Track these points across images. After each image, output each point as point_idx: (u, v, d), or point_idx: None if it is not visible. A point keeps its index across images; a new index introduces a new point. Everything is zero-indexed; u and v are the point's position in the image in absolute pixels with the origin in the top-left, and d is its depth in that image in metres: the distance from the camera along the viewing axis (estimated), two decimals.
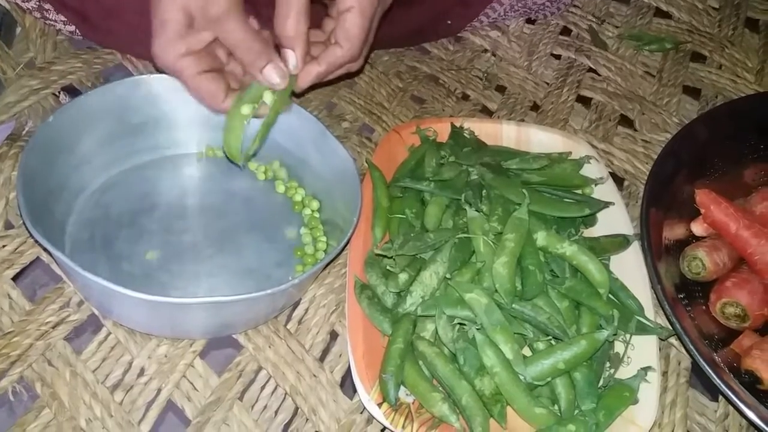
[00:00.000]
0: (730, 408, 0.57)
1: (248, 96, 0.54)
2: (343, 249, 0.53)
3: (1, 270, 0.55)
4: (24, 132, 0.63)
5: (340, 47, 0.56)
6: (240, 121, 0.54)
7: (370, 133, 0.72)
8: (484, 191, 0.58)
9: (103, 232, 0.57)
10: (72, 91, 0.67)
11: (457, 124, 0.68)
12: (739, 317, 0.58)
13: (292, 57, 0.55)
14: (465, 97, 0.78)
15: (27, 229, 0.48)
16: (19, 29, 0.71)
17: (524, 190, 0.56)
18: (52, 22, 0.70)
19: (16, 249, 0.56)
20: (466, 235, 0.55)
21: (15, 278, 0.55)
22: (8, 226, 0.58)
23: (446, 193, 0.58)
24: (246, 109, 0.54)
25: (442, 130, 0.67)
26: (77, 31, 0.70)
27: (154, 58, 0.53)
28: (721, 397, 0.57)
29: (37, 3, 0.68)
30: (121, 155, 0.60)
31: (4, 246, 0.56)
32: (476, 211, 0.56)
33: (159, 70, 0.55)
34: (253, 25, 0.54)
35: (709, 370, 0.51)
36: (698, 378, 0.58)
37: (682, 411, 0.56)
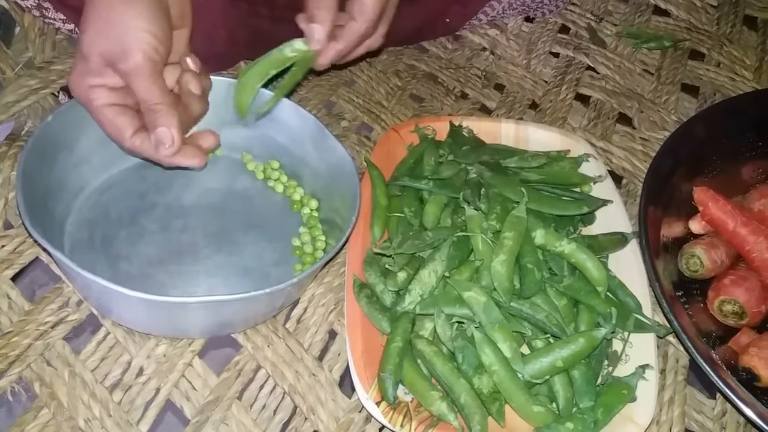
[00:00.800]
0: (728, 405, 0.57)
1: (269, 59, 0.55)
2: (341, 248, 0.53)
3: (1, 270, 0.55)
4: (23, 132, 0.63)
5: (355, 21, 0.56)
6: (255, 79, 0.55)
7: (369, 132, 0.72)
8: (483, 190, 0.58)
9: (102, 231, 0.57)
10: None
11: (456, 123, 0.68)
12: (737, 315, 0.58)
13: (318, 30, 0.54)
14: (464, 96, 0.78)
15: (26, 228, 0.48)
16: (18, 29, 0.71)
17: (523, 189, 0.56)
18: (51, 21, 0.70)
19: (15, 249, 0.56)
20: (464, 234, 0.55)
21: (14, 278, 0.55)
22: (7, 226, 0.58)
23: (445, 191, 0.59)
24: (263, 69, 0.54)
25: (440, 129, 0.67)
26: (76, 29, 0.70)
27: (69, 89, 0.52)
28: (718, 395, 0.57)
29: (36, 1, 0.68)
30: (119, 155, 0.60)
31: (3, 246, 0.56)
32: (474, 209, 0.56)
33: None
34: (167, 83, 0.53)
35: (707, 368, 0.51)
36: (696, 375, 0.58)
37: (680, 408, 0.56)
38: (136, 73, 0.50)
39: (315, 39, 0.55)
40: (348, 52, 0.58)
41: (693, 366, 0.58)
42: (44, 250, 0.55)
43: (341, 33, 0.57)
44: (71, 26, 0.70)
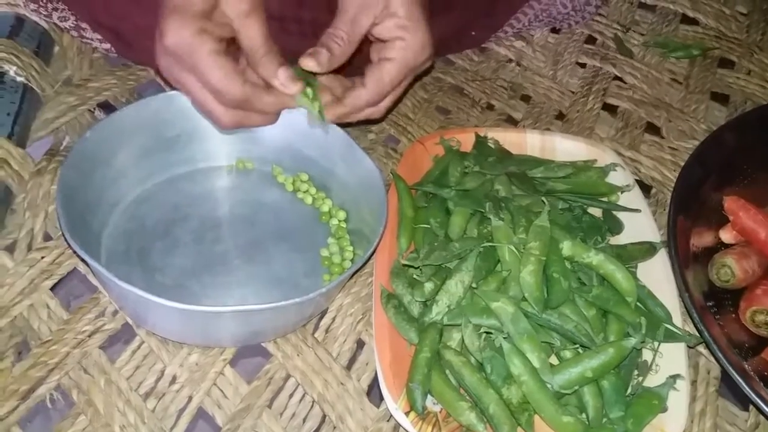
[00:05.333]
0: (761, 418, 0.56)
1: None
2: (369, 258, 0.54)
3: (40, 280, 0.57)
4: (62, 147, 0.65)
5: (366, 90, 0.56)
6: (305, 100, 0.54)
7: (396, 144, 0.73)
8: (503, 204, 0.58)
9: (138, 243, 0.58)
10: (107, 107, 0.69)
11: (481, 134, 0.68)
12: None
13: (323, 54, 0.53)
14: (490, 107, 0.78)
15: (65, 240, 0.49)
16: (57, 48, 0.73)
17: (544, 198, 0.57)
18: (88, 41, 0.72)
19: (54, 260, 0.58)
20: (490, 244, 0.55)
21: (53, 288, 0.57)
22: (47, 238, 0.59)
23: (466, 202, 0.59)
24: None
25: (466, 141, 0.68)
26: (112, 48, 0.72)
27: (159, 38, 0.49)
28: (751, 407, 0.56)
29: (75, 22, 0.71)
30: (155, 168, 0.62)
31: (43, 257, 0.58)
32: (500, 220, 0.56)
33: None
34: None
35: (739, 379, 0.51)
36: (728, 387, 0.58)
37: (712, 420, 0.55)
38: (256, 12, 0.49)
39: (316, 59, 0.52)
40: (349, 116, 0.58)
41: (725, 377, 0.58)
42: (82, 261, 0.57)
43: (347, 97, 0.56)
44: (107, 46, 0.72)
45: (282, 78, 0.51)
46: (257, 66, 0.52)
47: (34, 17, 0.71)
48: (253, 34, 0.51)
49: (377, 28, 0.55)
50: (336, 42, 0.54)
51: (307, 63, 0.52)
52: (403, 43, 0.55)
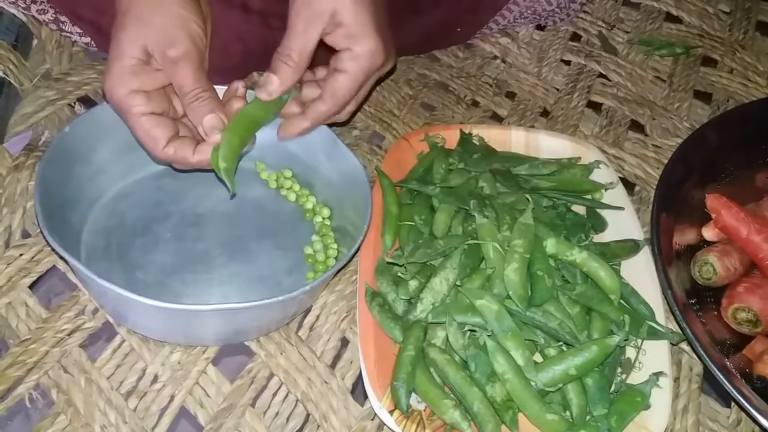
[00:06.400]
0: (743, 414, 0.56)
1: (241, 123, 0.54)
2: (353, 256, 0.54)
3: (19, 278, 0.56)
4: (41, 142, 0.64)
5: (324, 103, 0.57)
6: (235, 150, 0.53)
7: (381, 141, 0.73)
8: (487, 201, 0.58)
9: (118, 240, 0.58)
10: (87, 102, 0.68)
11: (466, 131, 0.68)
12: (751, 322, 0.57)
13: (273, 83, 0.55)
14: (475, 104, 0.78)
15: (44, 237, 0.48)
16: (35, 41, 0.72)
17: (528, 196, 0.57)
18: (68, 34, 0.71)
19: (33, 257, 0.57)
20: (475, 242, 0.55)
21: (31, 286, 0.56)
22: (25, 234, 0.58)
23: (451, 200, 0.59)
24: (239, 137, 0.54)
25: (450, 137, 0.67)
26: (92, 42, 0.71)
27: (104, 94, 0.52)
28: (733, 403, 0.57)
29: (54, 15, 0.69)
30: (135, 164, 0.61)
31: (21, 254, 0.57)
32: (484, 218, 0.56)
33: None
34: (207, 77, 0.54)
35: (721, 376, 0.51)
36: (710, 384, 0.58)
37: (695, 417, 0.56)
38: (186, 58, 0.50)
39: (267, 90, 0.55)
40: (312, 129, 0.59)
41: (707, 374, 0.58)
42: (61, 258, 0.56)
43: (308, 112, 0.57)
44: (87, 39, 0.71)
45: (206, 126, 0.52)
46: (186, 112, 0.53)
47: (12, 10, 0.70)
48: (181, 81, 0.52)
49: (328, 38, 0.55)
50: (285, 63, 0.54)
51: (261, 95, 0.55)
52: (352, 53, 0.55)
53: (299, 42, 0.54)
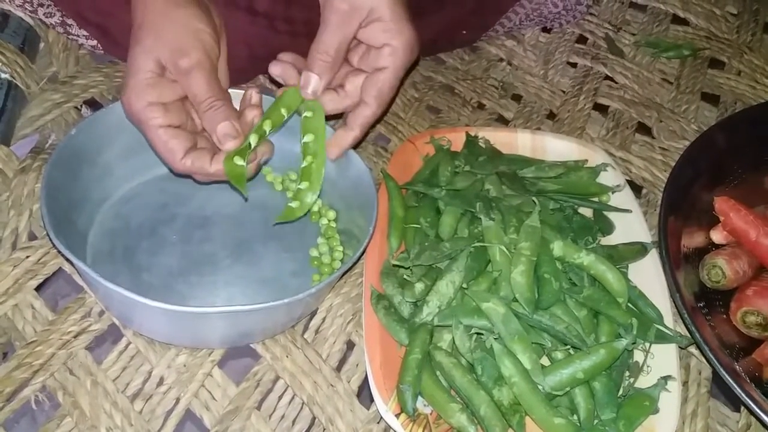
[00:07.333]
0: (752, 418, 0.56)
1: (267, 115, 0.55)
2: (359, 258, 0.54)
3: (25, 280, 0.56)
4: (47, 145, 0.64)
5: (369, 107, 0.56)
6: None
7: (386, 143, 0.73)
8: (493, 204, 0.58)
9: (124, 242, 0.58)
10: (94, 105, 0.69)
11: (472, 134, 0.68)
12: (761, 326, 0.57)
13: (314, 81, 0.55)
14: (481, 107, 0.78)
15: (50, 240, 0.48)
16: (42, 44, 0.72)
17: (534, 199, 0.56)
18: (74, 37, 0.71)
19: (39, 260, 0.57)
20: (481, 244, 0.55)
21: (38, 288, 0.56)
22: (32, 237, 0.59)
23: (457, 202, 0.59)
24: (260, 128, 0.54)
25: (456, 140, 0.67)
26: (99, 45, 0.71)
27: (124, 109, 0.52)
28: (743, 408, 0.56)
29: (61, 18, 0.70)
30: (141, 167, 0.61)
31: (27, 257, 0.57)
32: (490, 220, 0.56)
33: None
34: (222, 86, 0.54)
35: (730, 380, 0.51)
36: (720, 388, 0.58)
37: (704, 421, 0.55)
38: (198, 68, 0.51)
39: (310, 89, 0.55)
40: (361, 137, 0.59)
41: (716, 378, 0.58)
42: (67, 260, 0.56)
43: (354, 119, 0.57)
44: (94, 42, 0.71)
45: (219, 134, 0.52)
46: (202, 121, 0.53)
47: (20, 13, 0.70)
48: (195, 90, 0.52)
49: (362, 32, 0.55)
50: (322, 59, 0.55)
51: (306, 95, 0.56)
52: (392, 48, 0.55)
53: (336, 37, 0.54)
